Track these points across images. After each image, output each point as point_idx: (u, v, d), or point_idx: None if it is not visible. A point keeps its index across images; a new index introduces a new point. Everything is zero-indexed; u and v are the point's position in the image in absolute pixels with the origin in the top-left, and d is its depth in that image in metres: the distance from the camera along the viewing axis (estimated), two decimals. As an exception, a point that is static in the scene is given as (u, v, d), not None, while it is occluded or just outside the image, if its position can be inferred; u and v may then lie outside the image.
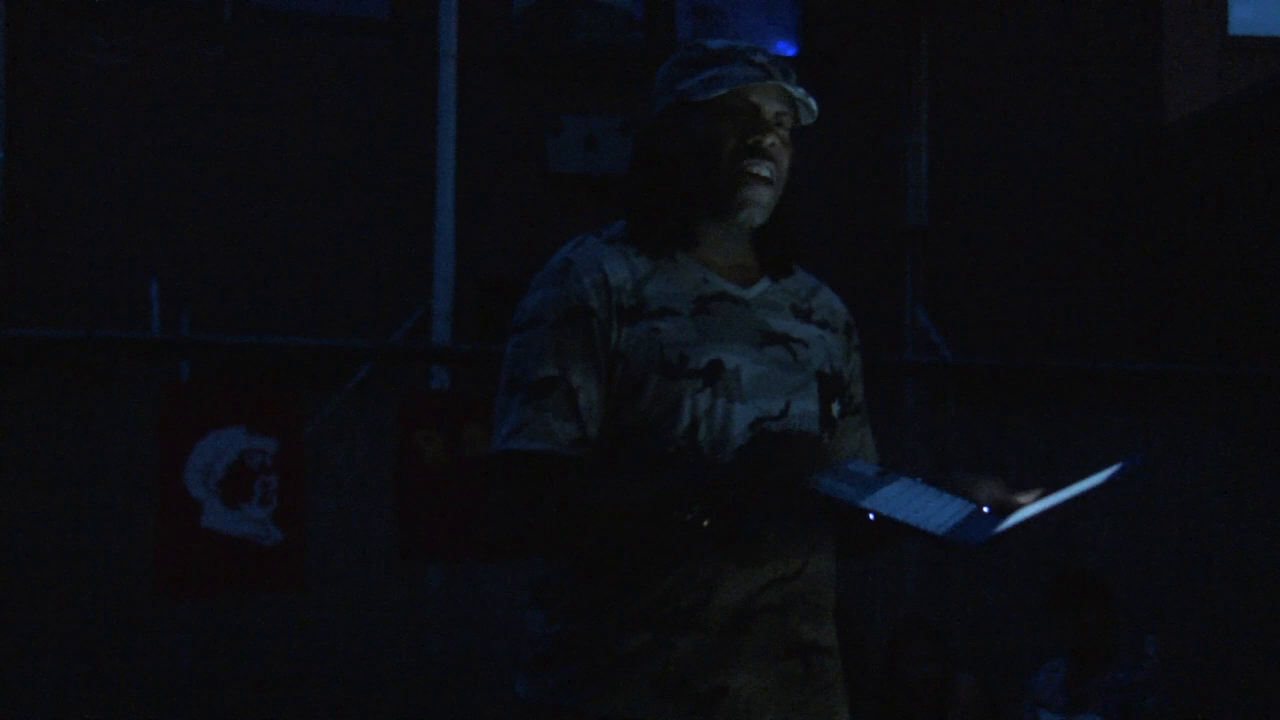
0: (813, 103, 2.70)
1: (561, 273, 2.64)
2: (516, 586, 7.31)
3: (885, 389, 8.84)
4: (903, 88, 9.69)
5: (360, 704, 7.31)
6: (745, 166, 2.64)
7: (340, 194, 9.08)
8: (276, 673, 7.22)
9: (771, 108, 2.68)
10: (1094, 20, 10.10)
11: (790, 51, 9.96)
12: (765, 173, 2.65)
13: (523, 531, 2.57)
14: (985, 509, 2.52)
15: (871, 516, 2.42)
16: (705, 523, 2.48)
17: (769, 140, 2.66)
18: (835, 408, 2.72)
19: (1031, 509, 2.51)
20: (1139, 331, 9.58)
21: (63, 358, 7.24)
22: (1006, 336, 9.43)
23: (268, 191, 8.98)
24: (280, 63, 9.16)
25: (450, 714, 7.34)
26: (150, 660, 7.08)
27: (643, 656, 2.54)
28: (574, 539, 2.56)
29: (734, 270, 2.71)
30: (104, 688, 7.07)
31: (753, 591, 2.56)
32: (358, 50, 9.29)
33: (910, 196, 9.61)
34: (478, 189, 9.07)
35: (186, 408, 6.54)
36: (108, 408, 7.07)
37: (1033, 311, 9.67)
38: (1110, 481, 2.49)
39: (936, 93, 9.71)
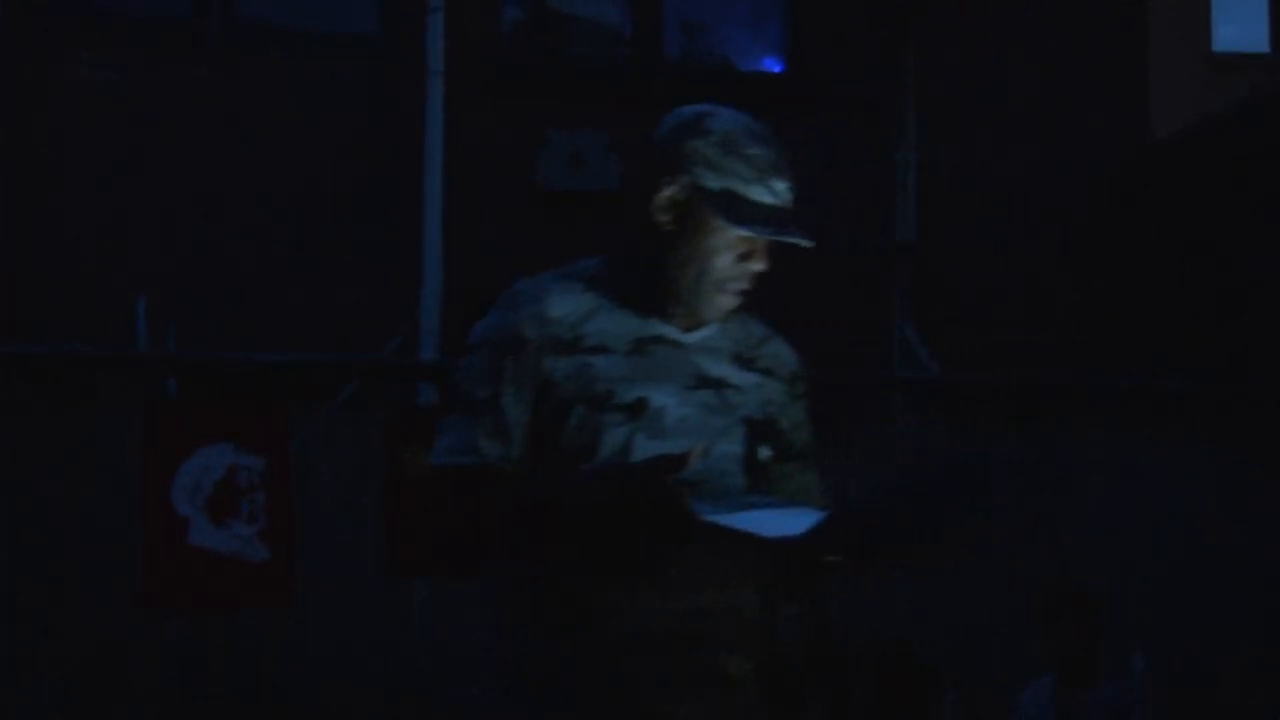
0: (804, 243, 2.77)
1: (508, 300, 2.84)
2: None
3: (873, 405, 8.83)
4: (891, 104, 9.69)
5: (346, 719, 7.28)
6: (729, 285, 2.78)
7: (327, 209, 9.07)
8: (262, 690, 7.19)
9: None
10: (1081, 37, 10.11)
11: (777, 69, 9.97)
12: (745, 287, 2.79)
13: (464, 539, 2.78)
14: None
15: (712, 522, 2.52)
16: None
17: (760, 266, 2.79)
18: (764, 452, 2.83)
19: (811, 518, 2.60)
20: (1127, 348, 9.57)
21: (49, 374, 7.21)
22: (994, 352, 9.42)
23: (255, 207, 8.96)
24: (267, 80, 9.14)
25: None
26: (135, 678, 7.05)
27: (562, 674, 2.68)
28: (505, 537, 2.72)
29: (681, 317, 2.83)
30: (88, 706, 7.04)
31: (667, 620, 2.68)
32: (345, 67, 9.28)
33: (899, 212, 9.61)
34: (465, 205, 9.06)
35: (172, 426, 6.53)
36: (93, 425, 7.05)
37: (1021, 328, 9.66)
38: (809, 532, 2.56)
39: (924, 109, 9.71)
